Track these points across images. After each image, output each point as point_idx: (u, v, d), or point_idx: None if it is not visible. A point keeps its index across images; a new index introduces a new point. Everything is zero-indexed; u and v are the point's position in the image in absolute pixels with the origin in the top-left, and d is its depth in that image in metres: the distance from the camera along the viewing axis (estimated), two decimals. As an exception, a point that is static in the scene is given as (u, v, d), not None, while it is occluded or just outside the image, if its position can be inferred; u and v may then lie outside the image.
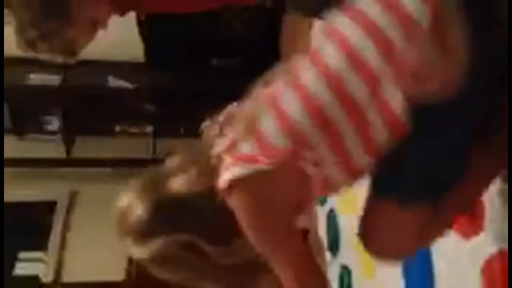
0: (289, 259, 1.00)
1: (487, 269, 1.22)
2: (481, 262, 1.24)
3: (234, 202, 0.95)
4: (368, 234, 1.12)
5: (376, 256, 1.15)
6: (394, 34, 0.93)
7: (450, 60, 0.98)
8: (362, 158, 1.00)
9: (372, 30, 0.94)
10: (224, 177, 0.95)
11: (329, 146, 0.96)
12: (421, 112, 0.99)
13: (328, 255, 2.27)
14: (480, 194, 1.19)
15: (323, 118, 0.94)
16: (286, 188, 0.96)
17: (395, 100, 0.96)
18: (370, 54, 0.93)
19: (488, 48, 1.01)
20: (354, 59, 0.93)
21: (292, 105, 0.94)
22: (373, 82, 0.94)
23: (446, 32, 0.98)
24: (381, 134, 0.98)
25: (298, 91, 0.95)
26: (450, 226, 1.19)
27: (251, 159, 0.94)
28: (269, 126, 0.95)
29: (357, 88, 0.94)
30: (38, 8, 1.42)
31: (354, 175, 1.04)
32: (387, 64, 0.94)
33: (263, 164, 0.93)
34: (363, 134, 0.97)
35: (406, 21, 0.94)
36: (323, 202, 2.31)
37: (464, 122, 1.04)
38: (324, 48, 0.96)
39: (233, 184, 0.94)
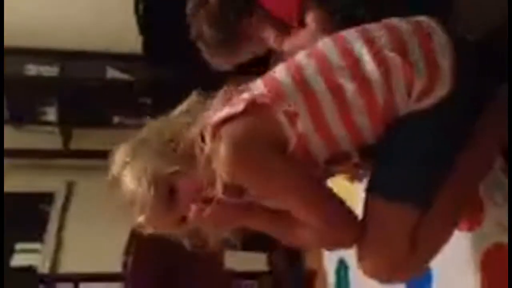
0: (288, 185, 1.04)
1: (486, 262, 1.22)
2: (480, 256, 1.23)
3: (221, 142, 1.03)
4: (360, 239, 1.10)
5: (367, 264, 1.10)
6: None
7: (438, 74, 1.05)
8: (338, 128, 1.06)
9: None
10: (213, 120, 1.06)
11: (305, 105, 1.05)
12: (407, 118, 1.06)
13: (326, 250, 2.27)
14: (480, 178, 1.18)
15: (305, 85, 1.05)
16: (263, 128, 1.05)
17: (381, 95, 1.04)
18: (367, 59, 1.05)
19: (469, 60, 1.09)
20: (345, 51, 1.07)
21: (280, 70, 1.09)
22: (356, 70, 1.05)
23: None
24: (361, 116, 1.05)
25: (288, 63, 1.10)
26: (450, 227, 1.16)
27: (233, 105, 1.06)
28: (256, 84, 1.10)
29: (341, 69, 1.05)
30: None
31: (329, 140, 1.08)
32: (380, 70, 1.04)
33: (240, 106, 1.04)
34: (342, 106, 1.05)
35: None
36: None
37: (450, 128, 1.09)
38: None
39: (218, 128, 1.05)
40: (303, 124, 1.05)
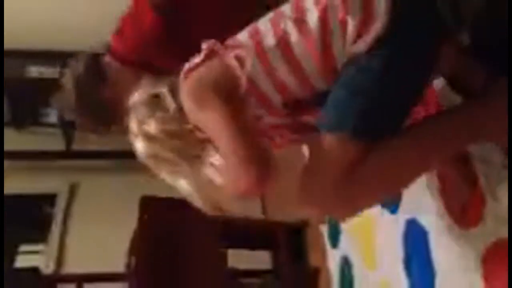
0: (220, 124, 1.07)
1: (489, 258, 1.22)
2: (483, 251, 1.23)
3: (185, 87, 1.13)
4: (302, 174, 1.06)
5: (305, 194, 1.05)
6: None
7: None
8: (284, 74, 1.11)
9: None
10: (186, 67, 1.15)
11: (254, 50, 1.12)
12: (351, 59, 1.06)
13: (328, 246, 2.27)
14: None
15: (257, 35, 1.12)
16: (214, 70, 1.13)
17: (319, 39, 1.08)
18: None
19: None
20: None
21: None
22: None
23: None
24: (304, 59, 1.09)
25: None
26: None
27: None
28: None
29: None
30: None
31: (276, 82, 1.11)
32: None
33: (201, 55, 1.13)
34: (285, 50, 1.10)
35: None
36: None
37: (391, 59, 1.04)
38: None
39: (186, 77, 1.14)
40: (252, 66, 1.10)
